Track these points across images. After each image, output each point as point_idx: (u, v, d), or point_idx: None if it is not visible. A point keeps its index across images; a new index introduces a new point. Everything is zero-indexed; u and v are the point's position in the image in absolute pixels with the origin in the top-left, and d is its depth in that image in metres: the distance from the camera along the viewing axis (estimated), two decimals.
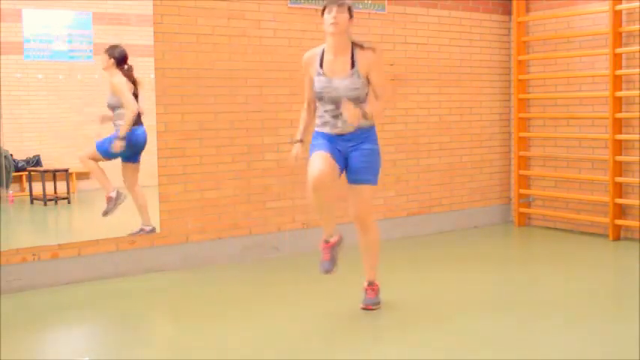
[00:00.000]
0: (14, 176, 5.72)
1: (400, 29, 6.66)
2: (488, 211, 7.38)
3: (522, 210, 7.30)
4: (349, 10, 4.20)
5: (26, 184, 5.87)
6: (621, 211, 6.50)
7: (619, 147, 6.43)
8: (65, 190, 5.95)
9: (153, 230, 5.49)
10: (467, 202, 7.22)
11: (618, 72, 6.35)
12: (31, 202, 5.91)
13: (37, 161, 5.86)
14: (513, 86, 7.29)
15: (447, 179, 7.07)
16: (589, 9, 6.67)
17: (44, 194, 5.89)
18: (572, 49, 6.86)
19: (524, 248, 6.71)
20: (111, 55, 5.52)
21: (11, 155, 5.60)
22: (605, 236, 6.58)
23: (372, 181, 4.35)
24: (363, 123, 4.24)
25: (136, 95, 5.57)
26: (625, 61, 6.40)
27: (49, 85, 5.79)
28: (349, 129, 4.23)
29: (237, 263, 5.77)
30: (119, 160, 5.59)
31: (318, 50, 4.32)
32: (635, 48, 6.24)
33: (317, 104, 4.32)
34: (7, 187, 5.54)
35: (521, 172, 7.29)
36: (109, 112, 5.57)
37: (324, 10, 4.21)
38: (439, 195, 7.02)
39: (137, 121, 5.54)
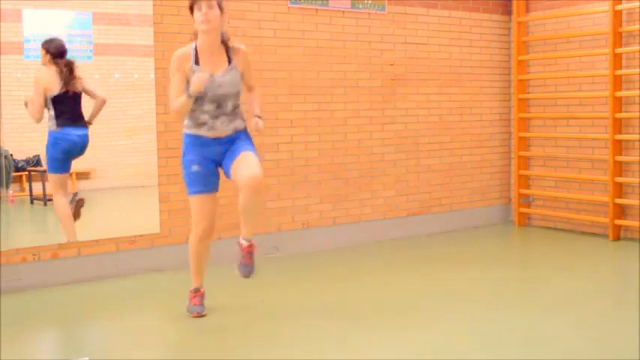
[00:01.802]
0: (14, 176, 5.71)
1: (400, 29, 6.66)
2: (488, 211, 7.38)
3: (522, 210, 7.30)
4: (219, 5, 4.10)
5: (26, 184, 5.87)
6: (621, 211, 6.50)
7: (619, 147, 6.43)
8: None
9: None
10: (467, 202, 7.22)
11: (618, 72, 6.35)
12: (31, 202, 5.91)
13: (37, 161, 5.86)
14: (513, 86, 7.29)
15: (447, 179, 7.07)
16: (589, 9, 6.67)
17: (44, 194, 5.88)
18: (572, 49, 6.86)
19: (524, 248, 6.71)
20: (47, 50, 5.28)
21: (11, 155, 5.59)
22: (605, 236, 6.58)
23: (254, 150, 4.19)
24: (240, 125, 4.22)
25: (68, 96, 5.25)
26: (625, 61, 6.40)
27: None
28: (226, 132, 4.16)
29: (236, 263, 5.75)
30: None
31: (188, 49, 4.18)
32: (635, 48, 6.24)
33: (192, 106, 4.14)
34: (7, 187, 5.54)
35: (521, 172, 7.29)
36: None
37: (192, 6, 4.09)
38: (439, 195, 7.02)
39: (60, 123, 5.26)
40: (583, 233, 6.83)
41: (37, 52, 5.52)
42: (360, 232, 6.49)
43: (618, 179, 6.42)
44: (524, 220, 7.36)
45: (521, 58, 7.19)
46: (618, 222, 6.45)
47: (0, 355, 3.68)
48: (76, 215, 5.45)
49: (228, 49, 4.21)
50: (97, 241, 5.33)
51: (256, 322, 4.27)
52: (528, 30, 7.23)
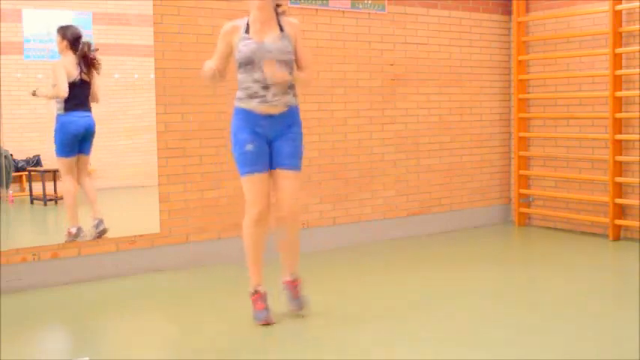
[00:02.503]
0: (14, 176, 5.71)
1: (400, 29, 6.66)
2: (488, 211, 7.38)
3: (522, 210, 7.30)
4: None
5: (26, 184, 5.87)
6: (621, 211, 6.50)
7: (619, 147, 6.43)
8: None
9: (79, 233, 5.31)
10: (467, 202, 7.23)
11: (618, 72, 6.35)
12: (31, 202, 5.91)
13: (37, 161, 5.86)
14: (513, 86, 7.29)
15: (447, 179, 7.07)
16: (589, 9, 6.67)
17: (44, 194, 5.89)
18: (572, 49, 6.86)
19: (524, 248, 6.71)
20: (63, 37, 5.36)
21: (11, 155, 5.59)
22: (605, 236, 6.58)
23: (299, 167, 4.16)
24: (292, 100, 4.09)
25: (80, 83, 5.38)
26: (625, 61, 6.40)
27: (49, 85, 5.78)
28: (278, 107, 4.03)
29: (237, 263, 5.76)
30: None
31: (239, 21, 4.13)
32: (635, 48, 6.24)
33: (242, 75, 4.05)
34: (7, 187, 5.54)
35: (521, 172, 7.29)
36: (47, 90, 5.44)
37: None
38: (439, 195, 7.02)
39: (68, 107, 5.37)
40: (583, 233, 6.83)
41: (37, 52, 5.52)
42: (360, 232, 6.49)
43: (618, 179, 6.42)
44: (524, 220, 7.36)
45: (521, 58, 7.19)
46: (618, 222, 6.45)
47: (0, 355, 3.68)
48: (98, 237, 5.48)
49: (279, 21, 4.11)
50: (97, 241, 5.33)
51: (254, 322, 4.27)
52: (528, 30, 7.23)
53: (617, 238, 6.48)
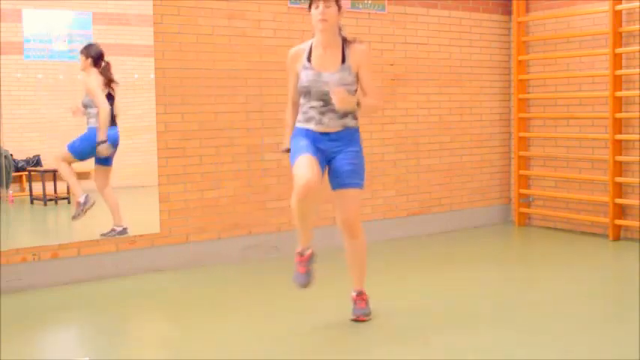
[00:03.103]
0: (14, 176, 5.72)
1: (400, 29, 6.66)
2: (488, 211, 7.38)
3: (522, 210, 7.30)
4: (337, 2, 3.97)
5: (26, 184, 5.87)
6: (621, 211, 6.50)
7: (619, 147, 6.43)
8: (65, 190, 5.95)
9: (124, 231, 5.45)
10: (467, 202, 7.22)
11: (618, 72, 6.35)
12: (31, 202, 5.91)
13: (37, 161, 5.86)
14: (513, 86, 7.29)
15: (447, 179, 7.07)
16: (589, 9, 6.67)
17: (44, 194, 5.89)
18: (572, 49, 6.86)
19: (524, 248, 6.71)
20: (87, 55, 5.48)
21: (11, 155, 5.60)
22: (605, 236, 6.58)
23: (360, 184, 4.16)
24: (350, 122, 4.07)
25: (111, 96, 5.54)
26: (625, 61, 6.40)
27: (49, 85, 5.79)
28: (335, 127, 4.04)
29: (237, 263, 5.77)
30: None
31: (305, 45, 4.12)
32: (635, 48, 6.24)
33: (302, 100, 4.08)
34: (7, 187, 5.54)
35: (521, 172, 7.29)
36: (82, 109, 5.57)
37: (310, 4, 3.96)
38: (439, 195, 7.02)
39: (111, 122, 5.52)
40: (583, 233, 6.83)
41: (37, 52, 5.53)
42: None
43: (618, 179, 6.42)
44: (524, 220, 7.36)
45: (521, 58, 7.18)
46: (618, 222, 6.45)
47: (0, 355, 3.68)
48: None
49: (344, 48, 4.06)
50: (97, 241, 5.33)
51: (255, 322, 4.27)
52: (528, 30, 7.23)
53: (617, 238, 6.48)
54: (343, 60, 4.03)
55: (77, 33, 5.62)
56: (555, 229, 7.08)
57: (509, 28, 7.35)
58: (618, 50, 6.32)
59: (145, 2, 5.43)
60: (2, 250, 4.93)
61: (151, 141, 5.51)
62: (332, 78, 3.98)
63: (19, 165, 5.79)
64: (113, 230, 5.46)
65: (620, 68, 6.37)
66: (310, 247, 4.29)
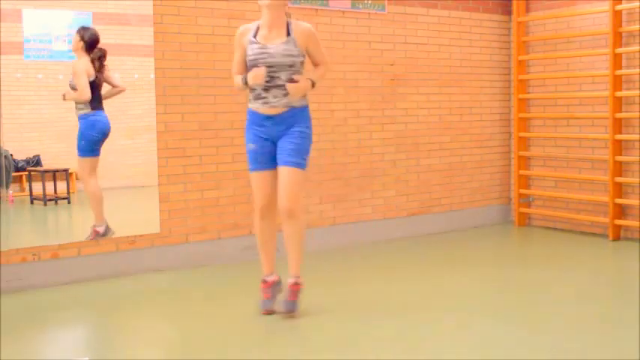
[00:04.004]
0: (14, 176, 5.71)
1: (400, 29, 6.66)
2: (488, 211, 7.38)
3: (522, 210, 7.30)
4: None
5: (26, 184, 5.87)
6: (621, 211, 6.50)
7: (619, 147, 6.43)
8: (65, 190, 5.95)
9: (108, 230, 5.38)
10: (467, 202, 7.22)
11: (618, 72, 6.35)
12: (31, 202, 5.91)
13: (37, 161, 5.86)
14: (513, 86, 7.29)
15: (447, 179, 7.07)
16: (589, 9, 6.67)
17: (44, 194, 5.89)
18: (572, 49, 6.86)
19: (524, 248, 6.71)
20: (82, 37, 5.40)
21: (11, 155, 5.60)
22: (605, 236, 6.58)
23: (300, 164, 4.21)
24: (295, 102, 4.18)
25: (99, 83, 5.45)
26: (625, 61, 6.40)
27: (49, 85, 5.79)
28: (280, 107, 4.16)
29: (237, 263, 5.77)
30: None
31: (251, 24, 4.28)
32: (635, 48, 6.24)
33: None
34: (7, 187, 5.54)
35: (521, 172, 7.29)
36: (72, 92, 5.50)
37: None
38: (439, 195, 7.02)
39: (94, 106, 5.44)
40: (583, 233, 6.83)
41: (37, 52, 5.52)
42: (360, 232, 6.49)
43: (618, 179, 6.42)
44: (524, 220, 7.36)
45: (521, 58, 7.19)
46: (618, 222, 6.45)
47: (0, 355, 3.68)
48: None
49: (289, 25, 4.22)
50: (97, 241, 5.33)
51: (255, 321, 4.27)
52: (528, 30, 7.23)
53: (617, 238, 6.48)
54: (288, 34, 4.20)
55: None
56: (555, 229, 7.08)
57: (509, 28, 7.35)
58: (618, 50, 6.33)
59: (145, 2, 5.43)
60: (2, 250, 4.93)
61: (151, 141, 5.51)
62: (277, 49, 4.15)
63: (19, 165, 5.79)
64: (96, 233, 5.36)
65: (620, 68, 6.37)
66: (274, 273, 4.38)
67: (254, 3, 5.83)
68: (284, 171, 4.19)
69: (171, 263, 5.54)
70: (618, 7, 6.32)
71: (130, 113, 5.89)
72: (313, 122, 6.18)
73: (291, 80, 4.13)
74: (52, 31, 5.52)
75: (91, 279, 5.21)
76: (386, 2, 6.53)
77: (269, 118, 4.20)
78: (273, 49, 4.14)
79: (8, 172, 5.50)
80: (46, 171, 5.87)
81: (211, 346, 3.89)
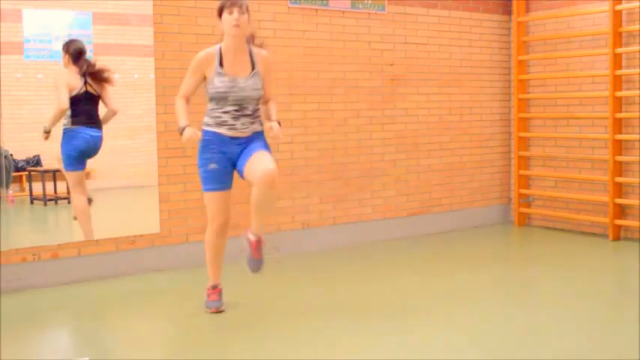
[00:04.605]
0: (14, 176, 5.71)
1: (400, 29, 6.66)
2: (488, 211, 7.38)
3: (522, 210, 7.30)
4: (247, 10, 4.18)
5: (26, 184, 5.87)
6: (621, 211, 6.50)
7: (619, 147, 6.43)
8: (65, 190, 5.94)
9: None
10: (467, 202, 7.22)
11: (618, 72, 6.35)
12: (31, 202, 5.91)
13: (37, 161, 5.86)
14: (513, 86, 7.29)
15: (447, 179, 7.07)
16: (589, 9, 6.67)
17: (44, 194, 5.89)
18: (572, 49, 6.86)
19: (524, 248, 6.71)
20: (66, 51, 5.40)
21: (11, 155, 5.59)
22: (605, 236, 6.58)
23: (269, 150, 4.28)
24: (258, 127, 4.33)
25: (87, 97, 5.37)
26: (625, 61, 6.40)
27: (49, 85, 5.78)
28: (246, 132, 4.26)
29: (237, 263, 5.75)
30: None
31: (213, 51, 4.25)
32: (635, 48, 6.24)
33: (213, 105, 4.25)
34: (7, 187, 5.54)
35: (521, 172, 7.29)
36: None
37: (221, 10, 4.16)
38: (439, 195, 7.02)
39: (75, 121, 5.38)
40: (583, 233, 6.82)
41: (37, 52, 5.52)
42: (360, 232, 6.49)
43: (618, 179, 6.42)
44: (524, 220, 7.36)
45: (521, 58, 7.18)
46: (618, 222, 6.45)
47: (0, 355, 3.68)
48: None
49: (252, 54, 4.29)
50: (97, 241, 5.33)
51: (254, 322, 4.27)
52: (528, 30, 7.23)
53: (617, 238, 6.48)
54: (253, 66, 4.26)
55: (77, 33, 5.62)
56: (555, 229, 7.08)
57: (509, 28, 7.35)
58: (618, 50, 6.32)
59: (145, 2, 5.43)
60: (2, 250, 4.93)
61: (151, 141, 5.51)
62: (247, 84, 4.21)
63: (19, 165, 5.78)
64: None
65: (620, 68, 6.37)
66: (219, 283, 4.52)
67: (254, 3, 5.83)
68: (260, 153, 4.20)
69: (171, 263, 5.54)
70: (618, 7, 6.31)
71: (130, 113, 5.88)
72: (314, 122, 6.23)
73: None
74: (52, 31, 5.51)
75: (91, 279, 5.21)
76: (386, 2, 6.53)
77: (233, 139, 4.26)
78: (244, 84, 4.21)
79: (8, 172, 5.50)
80: (46, 171, 5.87)
81: (211, 346, 3.89)
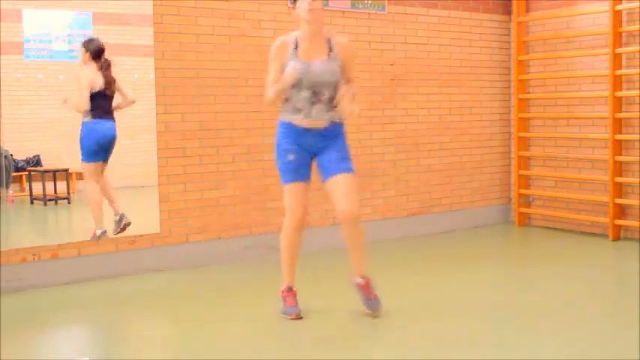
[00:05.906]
0: (14, 176, 5.72)
1: (400, 29, 6.66)
2: (488, 211, 7.38)
3: (522, 210, 7.30)
4: None
5: (26, 184, 5.87)
6: (621, 211, 6.50)
7: (619, 147, 6.43)
8: (65, 190, 5.95)
9: (103, 234, 5.41)
10: (467, 202, 7.22)
11: (618, 72, 6.35)
12: (31, 202, 5.91)
13: (37, 161, 5.86)
14: (513, 86, 7.29)
15: (447, 179, 7.07)
16: (589, 9, 6.67)
17: (44, 194, 5.89)
18: (572, 49, 6.86)
19: (524, 248, 6.71)
20: (87, 49, 5.47)
21: (11, 155, 5.60)
22: (605, 236, 6.58)
23: (352, 169, 4.24)
24: (336, 117, 4.22)
25: (105, 93, 5.48)
26: (625, 61, 6.40)
27: (49, 85, 5.79)
28: (322, 122, 4.17)
29: (237, 263, 5.77)
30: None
31: (289, 37, 4.21)
32: (635, 48, 6.24)
33: (288, 92, 4.17)
34: (7, 187, 5.54)
35: (521, 172, 7.29)
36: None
37: None
38: (439, 195, 7.02)
39: (95, 114, 5.47)
40: (583, 233, 6.82)
41: (37, 52, 5.53)
42: None
43: (618, 179, 6.42)
44: (524, 220, 7.36)
45: (521, 58, 7.18)
46: (618, 222, 6.45)
47: (0, 355, 3.68)
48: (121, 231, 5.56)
49: (330, 40, 4.22)
50: (96, 241, 5.33)
51: (254, 322, 4.27)
52: (528, 30, 7.23)
53: (617, 238, 6.48)
54: (330, 50, 4.20)
55: (77, 33, 5.62)
56: (555, 229, 7.08)
57: (509, 28, 7.35)
58: (618, 50, 6.32)
59: (145, 2, 5.43)
60: (2, 250, 4.93)
61: (151, 141, 5.51)
62: (322, 68, 4.13)
63: (19, 165, 5.79)
64: (93, 234, 5.40)
65: (620, 68, 6.37)
66: (294, 284, 4.40)
67: (254, 3, 5.84)
68: (340, 178, 4.18)
69: (171, 263, 5.54)
70: (618, 7, 6.31)
71: (130, 113, 5.88)
72: None
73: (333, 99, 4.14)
74: (52, 31, 5.52)
75: (91, 279, 5.21)
76: (386, 2, 6.53)
77: (308, 131, 4.18)
78: (319, 68, 4.13)
79: (8, 172, 5.50)
80: (46, 171, 5.88)
81: (211, 345, 3.89)
